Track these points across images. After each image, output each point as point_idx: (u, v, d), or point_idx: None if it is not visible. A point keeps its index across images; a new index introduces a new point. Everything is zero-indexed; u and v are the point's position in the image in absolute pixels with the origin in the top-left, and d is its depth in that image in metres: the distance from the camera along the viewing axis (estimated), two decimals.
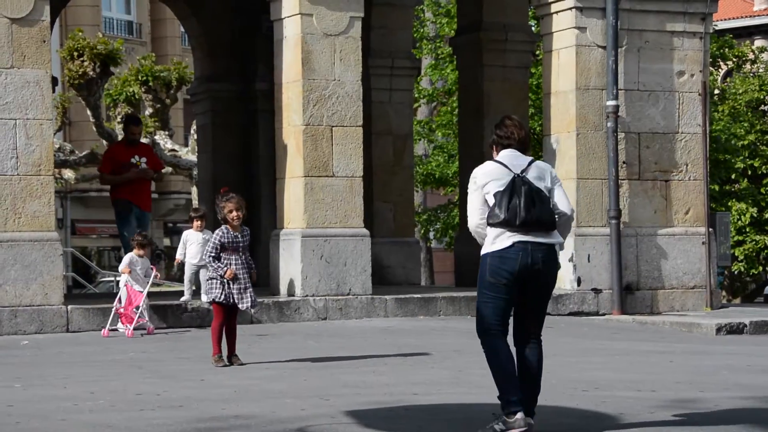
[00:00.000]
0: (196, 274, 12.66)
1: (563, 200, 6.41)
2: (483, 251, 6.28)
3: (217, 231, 9.38)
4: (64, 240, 29.65)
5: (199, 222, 12.35)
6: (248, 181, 18.66)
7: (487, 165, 6.42)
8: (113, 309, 11.79)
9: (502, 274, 6.17)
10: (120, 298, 11.95)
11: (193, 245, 12.68)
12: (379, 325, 12.58)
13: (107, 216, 39.43)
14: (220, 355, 9.13)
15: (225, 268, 9.16)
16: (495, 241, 6.20)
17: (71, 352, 10.44)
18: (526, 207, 6.16)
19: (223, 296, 9.17)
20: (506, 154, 6.42)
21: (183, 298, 12.78)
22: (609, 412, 7.04)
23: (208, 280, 9.34)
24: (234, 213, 9.22)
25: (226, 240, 9.21)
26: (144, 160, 14.34)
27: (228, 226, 9.31)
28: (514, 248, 6.18)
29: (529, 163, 6.38)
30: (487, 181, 6.31)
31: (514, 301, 6.29)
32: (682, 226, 14.69)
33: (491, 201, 6.24)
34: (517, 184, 6.22)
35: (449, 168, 28.69)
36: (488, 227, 6.22)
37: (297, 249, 13.12)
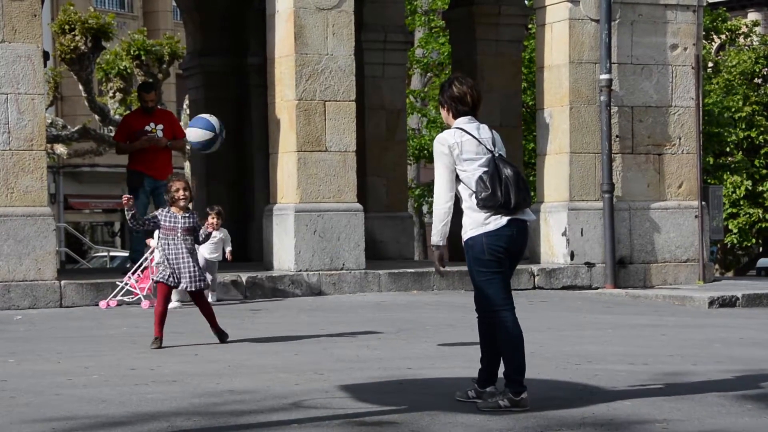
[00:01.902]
0: (210, 269, 12.03)
1: None
2: (476, 232, 6.28)
3: (155, 211, 9.19)
4: (56, 215, 29.61)
5: (214, 220, 11.63)
6: (241, 156, 18.65)
7: (457, 135, 6.34)
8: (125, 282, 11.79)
9: (499, 251, 6.28)
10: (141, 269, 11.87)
11: (207, 242, 12.18)
12: (373, 300, 12.60)
13: (100, 191, 39.49)
14: (157, 337, 9.01)
15: (127, 200, 8.92)
16: (488, 221, 6.28)
17: (65, 327, 10.44)
18: (516, 191, 6.26)
19: (164, 276, 8.98)
20: (467, 123, 6.41)
21: (172, 305, 12.25)
22: (601, 386, 7.07)
23: (155, 264, 9.23)
24: (181, 192, 9.04)
25: (163, 218, 8.97)
26: (160, 127, 13.64)
27: (174, 209, 9.03)
28: (508, 227, 6.30)
29: (492, 134, 6.44)
30: (462, 155, 6.29)
31: (508, 275, 6.43)
32: (675, 199, 14.71)
33: (474, 183, 6.24)
34: (500, 166, 6.28)
35: None
36: (477, 209, 6.25)
37: (290, 224, 13.12)
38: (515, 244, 6.33)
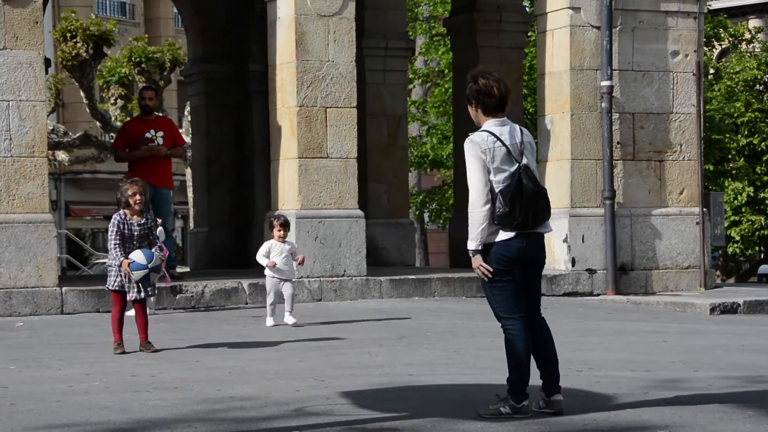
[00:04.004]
0: (285, 291, 10.85)
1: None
2: (488, 240, 6.21)
3: (114, 216, 9.02)
4: (58, 222, 29.62)
5: (281, 231, 10.75)
6: (242, 163, 18.66)
7: (489, 141, 6.15)
8: None
9: (506, 260, 6.21)
10: None
11: (276, 257, 10.79)
12: (374, 306, 12.59)
13: (101, 198, 39.48)
14: (119, 343, 9.01)
15: (122, 259, 8.86)
16: (498, 232, 6.20)
17: (66, 334, 10.44)
18: (534, 210, 6.15)
19: (117, 284, 8.95)
20: (498, 126, 6.22)
21: (268, 323, 10.84)
22: (603, 392, 7.06)
23: (108, 266, 9.14)
24: (137, 197, 9.00)
25: (123, 225, 8.92)
26: (160, 134, 13.45)
27: (126, 212, 9.00)
28: (517, 238, 6.20)
29: (522, 139, 6.25)
30: (493, 164, 6.14)
31: (518, 284, 6.33)
32: (676, 206, 14.71)
33: (496, 195, 6.12)
34: (524, 182, 6.13)
35: (443, 150, 28.68)
36: (492, 221, 6.17)
37: (291, 230, 13.10)
38: (525, 255, 6.22)
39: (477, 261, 6.24)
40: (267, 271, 10.83)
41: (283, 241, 10.76)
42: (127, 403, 6.72)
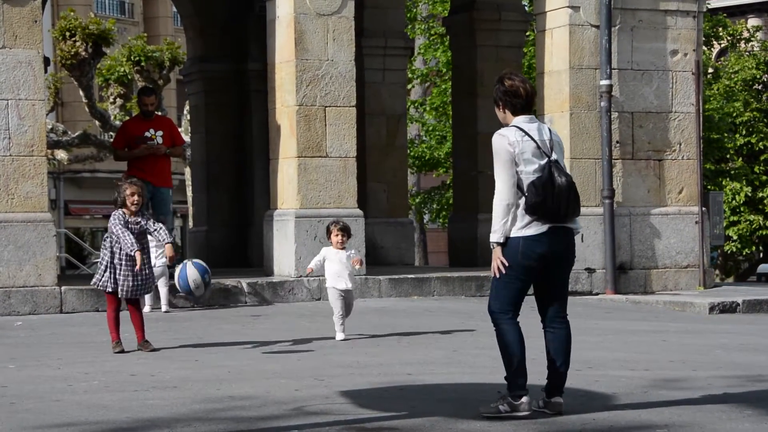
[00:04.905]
0: (346, 302, 9.73)
1: None
2: (515, 234, 6.19)
3: (114, 212, 9.00)
4: (57, 221, 29.62)
5: (339, 236, 9.56)
6: (241, 162, 18.66)
7: (517, 134, 6.17)
8: None
9: (533, 257, 6.19)
10: None
11: (333, 264, 9.64)
12: (373, 306, 12.59)
13: (100, 197, 39.46)
14: (117, 341, 9.01)
15: (138, 247, 8.81)
16: (529, 226, 6.19)
17: (65, 333, 10.44)
18: (567, 202, 6.16)
19: (110, 285, 8.93)
20: (527, 123, 6.25)
21: (338, 338, 9.70)
22: (602, 391, 7.06)
23: (99, 264, 9.12)
24: (135, 197, 9.01)
25: (126, 222, 8.91)
26: (160, 133, 13.45)
27: (124, 211, 9.01)
28: (547, 234, 6.20)
29: (551, 137, 6.28)
30: (521, 156, 6.15)
31: (530, 286, 6.32)
32: (675, 205, 14.71)
33: (526, 187, 6.13)
34: (554, 174, 6.15)
35: (441, 149, 28.68)
36: (523, 211, 6.17)
37: (291, 229, 13.12)
38: (552, 250, 6.20)
39: (497, 253, 6.23)
40: (327, 282, 9.68)
41: (342, 248, 9.61)
42: (127, 402, 6.72)
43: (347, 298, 9.62)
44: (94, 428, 6.04)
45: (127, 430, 6.01)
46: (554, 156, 6.23)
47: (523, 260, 6.20)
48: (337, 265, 9.54)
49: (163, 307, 12.00)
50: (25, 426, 6.10)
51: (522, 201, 6.18)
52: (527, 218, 6.19)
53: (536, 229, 6.19)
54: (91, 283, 9.21)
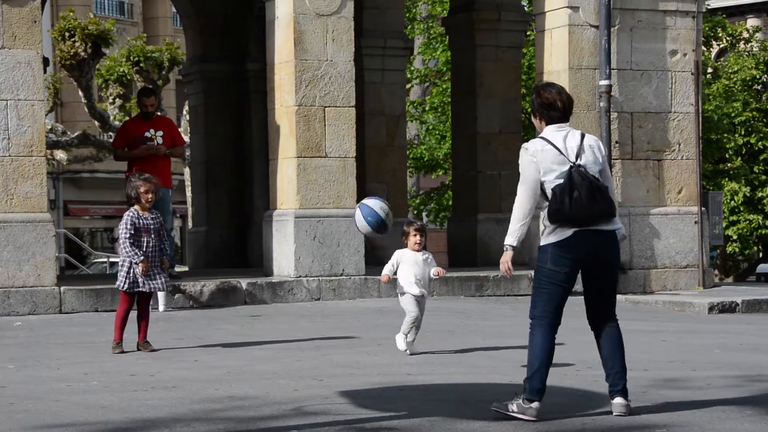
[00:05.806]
0: (420, 306, 8.84)
1: (610, 182, 6.39)
2: (545, 241, 6.26)
3: (126, 213, 9.03)
4: (56, 221, 29.62)
5: (419, 237, 8.85)
6: (241, 162, 18.66)
7: (539, 144, 6.25)
8: None
9: (564, 263, 6.24)
10: None
11: (410, 267, 8.84)
12: (373, 306, 12.59)
13: (100, 197, 39.49)
14: (119, 342, 9.01)
15: (141, 257, 8.87)
16: (555, 231, 6.24)
17: (64, 333, 10.44)
18: (589, 204, 6.17)
19: (126, 284, 8.94)
20: (554, 132, 6.31)
21: (400, 346, 8.81)
22: (601, 391, 7.06)
23: (120, 265, 9.10)
24: (150, 195, 9.04)
25: (138, 221, 8.96)
26: (160, 134, 13.39)
27: (137, 207, 9.04)
28: (574, 237, 6.23)
29: (581, 143, 6.31)
30: (541, 165, 6.22)
31: (570, 291, 6.34)
32: (674, 205, 14.71)
33: (549, 194, 6.20)
34: (575, 179, 6.18)
35: (440, 150, 28.67)
36: (548, 221, 6.23)
37: (290, 230, 13.12)
38: (582, 255, 6.23)
39: (506, 256, 6.32)
40: (401, 287, 8.86)
41: (419, 250, 8.88)
42: (126, 403, 6.71)
43: (421, 304, 8.83)
44: (93, 428, 6.04)
45: (126, 430, 6.00)
46: (581, 161, 6.25)
47: (553, 266, 6.26)
48: (414, 268, 8.77)
49: (161, 308, 12.01)
50: (24, 426, 6.10)
51: (546, 210, 6.27)
52: (552, 225, 6.26)
53: (560, 234, 6.24)
54: (116, 286, 9.15)
